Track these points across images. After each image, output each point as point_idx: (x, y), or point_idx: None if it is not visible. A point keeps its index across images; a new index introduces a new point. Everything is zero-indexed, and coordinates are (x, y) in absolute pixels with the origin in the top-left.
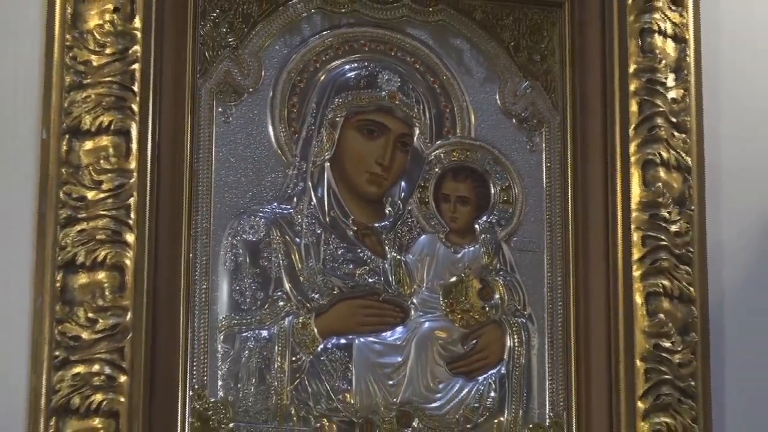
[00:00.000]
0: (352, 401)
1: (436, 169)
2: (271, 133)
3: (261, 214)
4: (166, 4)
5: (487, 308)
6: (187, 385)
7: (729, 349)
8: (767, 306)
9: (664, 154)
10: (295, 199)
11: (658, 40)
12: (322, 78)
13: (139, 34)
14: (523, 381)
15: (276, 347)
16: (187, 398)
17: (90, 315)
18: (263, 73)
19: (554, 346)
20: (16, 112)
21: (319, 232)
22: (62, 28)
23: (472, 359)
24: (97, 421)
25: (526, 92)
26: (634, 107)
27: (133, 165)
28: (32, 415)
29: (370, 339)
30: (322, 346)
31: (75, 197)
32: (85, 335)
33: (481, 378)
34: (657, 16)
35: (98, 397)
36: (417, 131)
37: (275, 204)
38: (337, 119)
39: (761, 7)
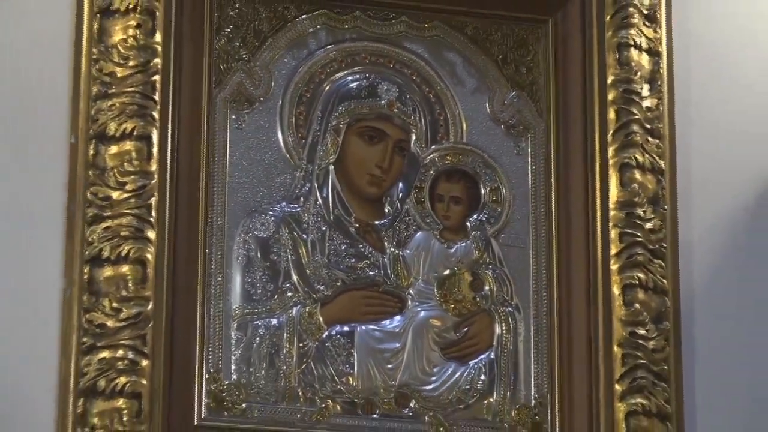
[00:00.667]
0: (354, 384)
1: (431, 172)
2: (280, 138)
3: (271, 213)
4: (184, 21)
5: (478, 299)
6: (204, 368)
7: (698, 336)
8: (733, 297)
9: (640, 158)
10: (302, 199)
11: (633, 53)
12: (327, 88)
13: (159, 48)
14: (511, 365)
15: (285, 334)
16: (204, 381)
17: (115, 305)
18: (273, 84)
19: (539, 333)
20: (48, 119)
21: (324, 229)
22: (89, 42)
23: (463, 345)
24: (121, 402)
25: (513, 101)
26: (612, 115)
27: (154, 167)
28: (62, 396)
29: (371, 327)
30: (326, 333)
31: (101, 197)
32: (110, 323)
33: (472, 362)
34: (633, 31)
35: (122, 379)
36: (413, 137)
37: (284, 203)
38: (341, 126)
39: (729, 24)
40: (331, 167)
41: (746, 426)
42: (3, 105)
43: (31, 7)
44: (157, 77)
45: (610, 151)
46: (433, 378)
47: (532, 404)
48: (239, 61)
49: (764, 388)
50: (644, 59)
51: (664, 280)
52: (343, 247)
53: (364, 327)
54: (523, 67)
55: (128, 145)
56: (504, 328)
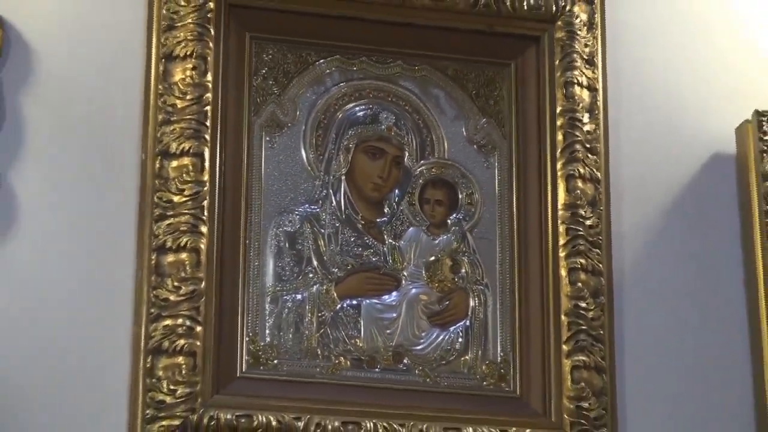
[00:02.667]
0: (361, 345)
1: (420, 181)
2: (303, 155)
3: (297, 213)
4: (229, 65)
5: (456, 279)
6: (244, 333)
7: (626, 307)
8: (654, 276)
9: (581, 170)
10: (320, 202)
11: (577, 89)
12: (340, 116)
13: (210, 85)
14: (482, 331)
15: (307, 306)
16: (244, 342)
17: (176, 283)
18: (298, 113)
19: (504, 306)
20: (123, 140)
21: (337, 225)
22: (156, 80)
23: (445, 315)
24: (180, 359)
25: (484, 126)
26: (560, 137)
27: (206, 178)
28: (134, 354)
29: (374, 301)
30: (339, 305)
31: (165, 200)
32: (172, 298)
33: (452, 328)
34: (576, 72)
35: (181, 342)
36: (407, 154)
37: (307, 205)
38: (350, 146)
39: (652, 67)
40: (343, 177)
41: (664, 374)
42: (89, 131)
43: (110, 55)
44: (208, 108)
45: (559, 164)
46: (422, 340)
47: (499, 360)
48: (272, 95)
49: (677, 343)
50: (585, 94)
51: (600, 265)
52: (352, 239)
53: (368, 301)
54: (492, 100)
55: (186, 160)
56: (477, 301)
